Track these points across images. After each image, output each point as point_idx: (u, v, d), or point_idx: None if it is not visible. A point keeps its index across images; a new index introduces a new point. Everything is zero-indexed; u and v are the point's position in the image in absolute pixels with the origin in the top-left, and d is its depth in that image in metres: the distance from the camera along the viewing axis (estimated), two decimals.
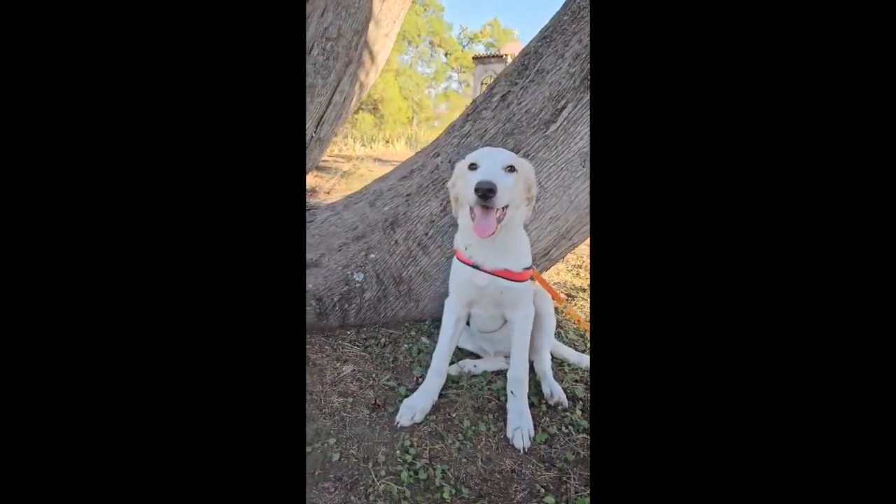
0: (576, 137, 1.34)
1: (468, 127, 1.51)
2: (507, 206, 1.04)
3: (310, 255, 1.51)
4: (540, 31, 1.49)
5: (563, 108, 1.34)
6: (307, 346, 1.37)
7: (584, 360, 1.42)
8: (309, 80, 3.22)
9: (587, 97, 1.32)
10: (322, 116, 3.51)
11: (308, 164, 3.64)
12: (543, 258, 1.57)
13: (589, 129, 1.33)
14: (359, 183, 4.39)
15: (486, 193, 0.95)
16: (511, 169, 1.05)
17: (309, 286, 1.44)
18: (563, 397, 1.20)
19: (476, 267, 1.11)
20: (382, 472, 0.95)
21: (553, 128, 1.36)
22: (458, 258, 1.17)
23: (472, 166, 1.06)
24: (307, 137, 3.53)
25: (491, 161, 1.04)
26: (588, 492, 0.93)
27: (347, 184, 4.54)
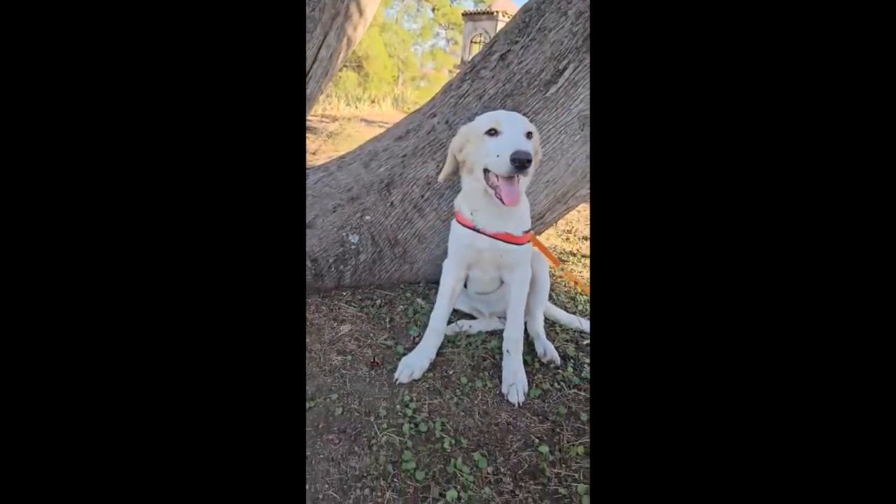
0: (576, 100, 1.33)
1: (466, 87, 1.48)
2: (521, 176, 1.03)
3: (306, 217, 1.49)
4: None
5: (565, 68, 1.32)
6: (310, 308, 1.38)
7: (574, 322, 1.46)
8: None
9: (590, 58, 1.29)
10: (308, 73, 3.38)
11: None
12: (538, 222, 1.58)
13: (589, 91, 1.31)
14: (346, 144, 4.29)
15: (523, 163, 0.94)
16: (529, 135, 1.04)
17: (307, 249, 1.44)
18: (556, 355, 1.25)
19: (477, 230, 1.12)
20: (384, 425, 0.99)
21: (553, 89, 1.34)
22: (458, 221, 1.17)
23: (493, 132, 1.04)
24: None
25: (515, 128, 1.02)
26: (580, 441, 0.99)
27: (334, 144, 4.44)
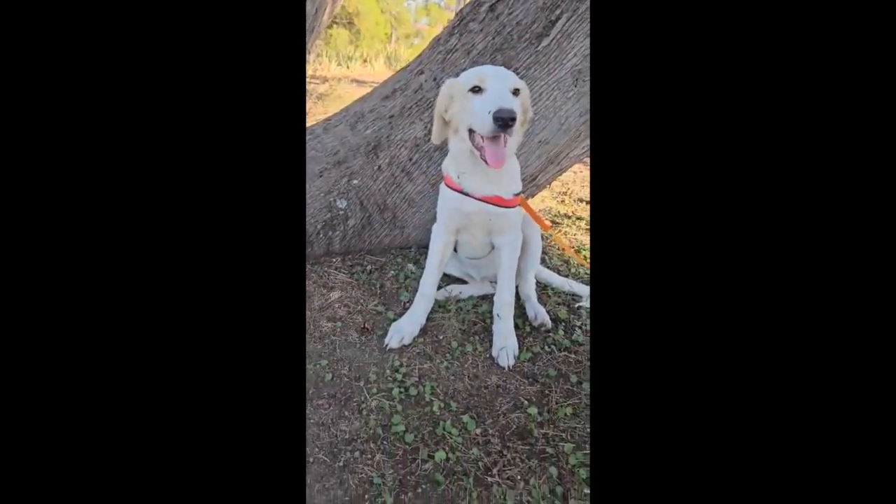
0: (569, 53, 1.26)
1: (454, 41, 1.40)
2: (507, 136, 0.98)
3: None
4: None
5: (557, 19, 1.25)
6: None
7: (566, 285, 1.45)
8: None
9: (584, 6, 1.22)
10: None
11: None
12: (531, 184, 1.54)
13: (584, 43, 1.24)
14: (335, 105, 4.15)
15: (507, 122, 0.89)
16: (517, 92, 0.99)
17: None
18: (547, 319, 1.25)
19: (465, 194, 1.09)
20: (374, 390, 0.99)
21: (545, 42, 1.27)
22: (446, 185, 1.14)
23: (476, 89, 0.98)
24: None
25: (500, 85, 0.96)
26: (568, 402, 1.00)
27: (324, 106, 4.30)
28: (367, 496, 0.79)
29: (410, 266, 1.49)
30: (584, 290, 1.44)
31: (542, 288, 1.45)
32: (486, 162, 0.97)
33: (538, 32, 1.27)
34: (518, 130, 1.05)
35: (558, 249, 1.73)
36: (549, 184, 1.71)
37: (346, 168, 1.45)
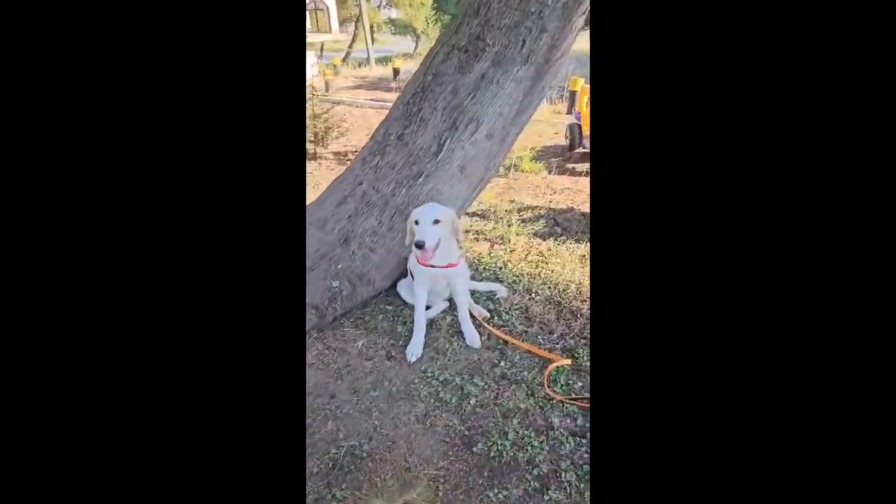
0: (454, 159, 2.12)
1: (377, 160, 2.15)
2: (439, 240, 1.82)
3: None
4: (408, 87, 2.13)
5: (445, 141, 2.09)
6: (329, 339, 2.02)
7: (484, 286, 2.38)
8: None
9: (461, 132, 2.08)
10: None
11: None
12: (461, 209, 2.40)
13: (463, 152, 2.11)
14: None
15: (419, 246, 1.76)
16: (436, 221, 1.82)
17: (307, 300, 2.04)
18: (486, 312, 2.16)
19: (432, 266, 1.91)
20: (422, 387, 1.78)
21: (440, 155, 2.10)
22: (418, 262, 1.93)
23: (416, 222, 1.82)
24: None
25: (423, 220, 1.81)
26: (515, 354, 1.92)
27: None
28: (448, 433, 1.60)
29: (388, 307, 2.25)
30: (495, 286, 2.38)
31: (472, 293, 2.35)
32: (417, 259, 1.82)
33: (434, 151, 2.10)
34: (450, 235, 1.89)
35: (469, 263, 2.65)
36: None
37: (329, 259, 2.11)
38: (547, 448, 1.50)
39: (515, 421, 1.60)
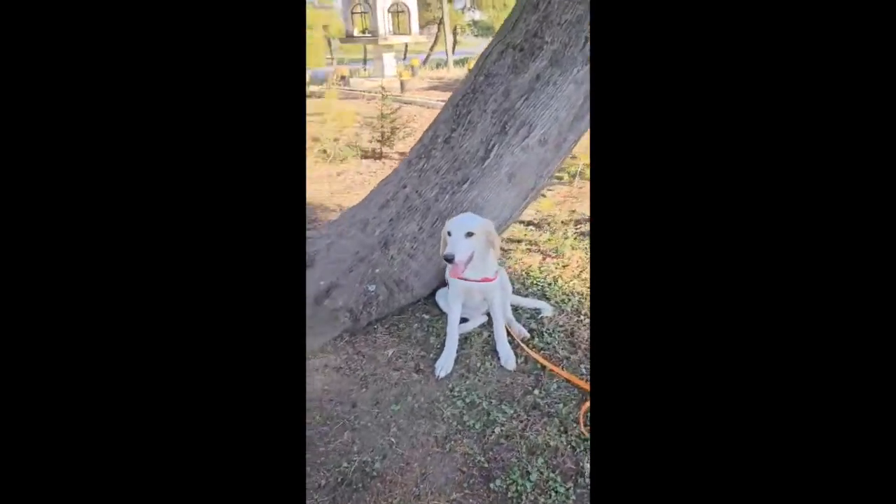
0: (503, 166, 1.99)
1: (423, 163, 2.07)
2: (472, 254, 1.71)
3: (330, 279, 2.05)
4: (459, 88, 2.03)
5: (493, 147, 1.96)
6: (360, 344, 1.98)
7: (529, 303, 2.21)
8: None
9: (509, 136, 1.94)
10: None
11: None
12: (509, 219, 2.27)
13: (512, 158, 1.97)
14: None
15: (449, 260, 1.65)
16: (469, 234, 1.70)
17: (340, 303, 2.01)
18: (525, 332, 1.99)
19: (465, 279, 1.79)
20: (446, 405, 1.67)
21: (487, 161, 1.98)
22: (451, 276, 1.82)
23: (449, 233, 1.72)
24: None
25: (456, 232, 1.70)
26: (553, 381, 1.75)
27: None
28: (466, 462, 1.48)
29: (425, 316, 2.16)
30: (541, 304, 2.20)
31: (515, 309, 2.19)
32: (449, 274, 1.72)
33: (481, 156, 1.98)
34: (486, 248, 1.77)
35: (514, 277, 2.49)
36: (501, 233, 2.46)
37: (368, 262, 2.07)
38: (573, 498, 1.33)
39: (541, 460, 1.44)
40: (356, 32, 10.93)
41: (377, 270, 2.07)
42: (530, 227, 3.13)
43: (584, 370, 1.80)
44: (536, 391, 1.71)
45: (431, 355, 1.92)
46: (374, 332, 2.07)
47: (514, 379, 1.78)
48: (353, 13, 10.69)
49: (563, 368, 1.80)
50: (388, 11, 10.54)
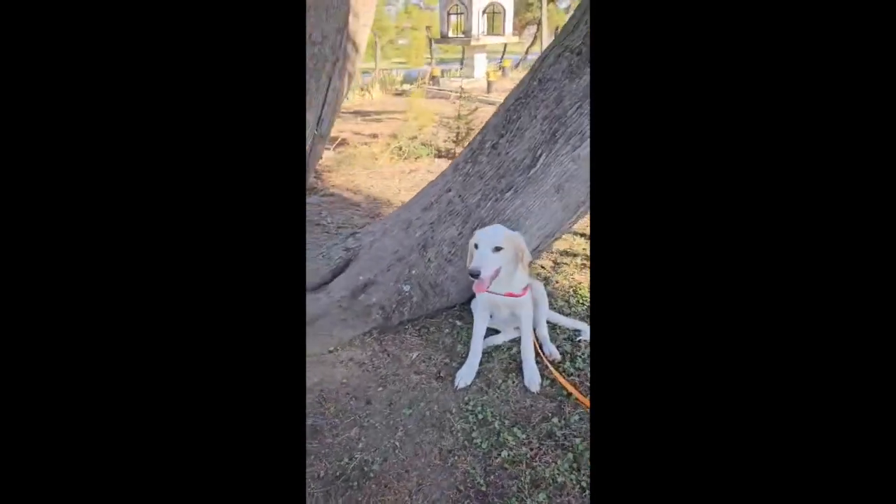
0: (550, 175, 1.88)
1: (469, 167, 2.03)
2: (499, 269, 1.64)
3: (368, 276, 2.10)
4: (513, 92, 1.95)
5: (540, 155, 1.86)
6: (387, 343, 2.01)
7: (569, 323, 2.07)
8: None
9: (558, 146, 1.83)
10: (320, 115, 3.88)
11: (315, 159, 4.06)
12: (535, 251, 2.16)
13: (560, 168, 1.86)
14: (352, 167, 4.77)
15: (474, 275, 1.59)
16: (497, 248, 1.63)
17: (373, 300, 2.05)
18: (557, 354, 1.87)
19: (492, 292, 1.73)
20: (457, 418, 1.63)
21: (533, 170, 1.88)
22: (477, 291, 1.75)
23: (476, 246, 1.66)
24: (311, 136, 3.91)
25: (484, 245, 1.64)
26: (576, 411, 1.62)
27: (348, 167, 4.89)
28: (465, 481, 1.42)
29: (458, 322, 2.13)
30: (582, 325, 2.06)
31: (553, 327, 2.07)
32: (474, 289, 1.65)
33: (528, 164, 1.89)
34: (514, 264, 1.69)
35: (562, 293, 2.35)
36: (549, 247, 2.33)
37: (405, 263, 2.09)
38: None
39: (543, 495, 1.34)
40: (450, 33, 11.09)
41: (413, 272, 2.08)
42: (581, 238, 2.94)
43: None
44: (555, 419, 1.60)
45: (455, 364, 1.88)
46: (404, 333, 2.08)
47: (535, 402, 1.68)
48: (448, 14, 10.85)
49: (590, 399, 1.66)
50: (484, 12, 10.54)
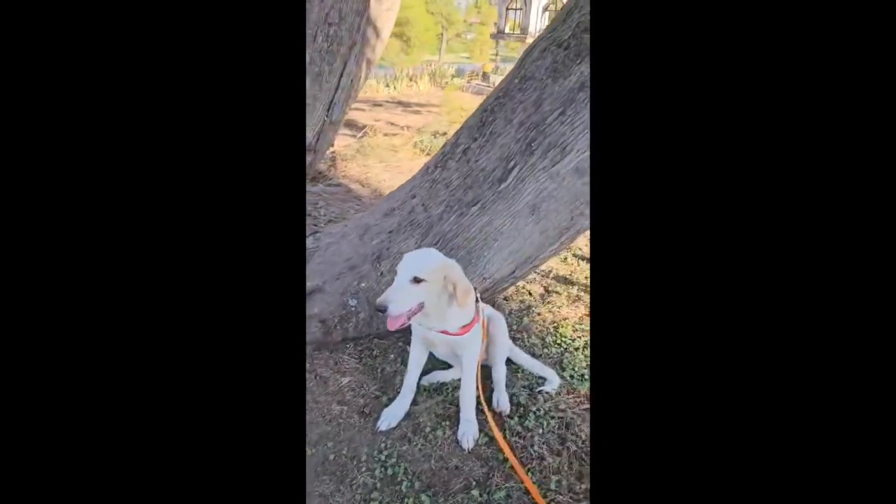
0: (524, 193, 1.57)
1: (437, 173, 1.75)
2: (421, 304, 1.32)
3: (316, 282, 1.87)
4: (496, 89, 1.64)
5: (513, 168, 1.55)
6: (317, 360, 1.78)
7: (536, 367, 1.75)
8: (315, 69, 3.35)
9: (533, 159, 1.52)
10: (332, 100, 3.69)
11: (326, 146, 3.90)
12: (510, 276, 1.85)
13: (536, 185, 1.54)
14: (368, 158, 4.59)
15: (378, 308, 1.26)
16: (417, 280, 1.30)
17: (315, 310, 1.82)
18: (507, 406, 1.56)
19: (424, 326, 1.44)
20: (363, 469, 1.37)
21: (504, 185, 1.58)
22: (390, 328, 1.47)
23: (395, 272, 1.33)
24: (321, 122, 3.73)
25: (401, 274, 1.31)
26: (505, 486, 1.32)
27: (363, 159, 4.73)
28: None
29: (408, 347, 1.86)
30: (550, 373, 1.73)
31: (516, 369, 1.76)
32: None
33: (498, 177, 1.58)
34: (443, 298, 1.37)
35: (538, 328, 2.02)
36: (528, 275, 2.01)
37: (356, 273, 1.84)
38: None
39: None
40: (507, 30, 10.70)
41: (363, 284, 1.83)
42: (577, 260, 2.57)
43: (555, 485, 1.33)
44: (476, 491, 1.30)
45: (386, 399, 1.62)
46: (342, 352, 1.84)
47: (463, 463, 1.39)
48: (507, 9, 10.46)
49: (529, 472, 1.35)
50: (545, 10, 10.06)
